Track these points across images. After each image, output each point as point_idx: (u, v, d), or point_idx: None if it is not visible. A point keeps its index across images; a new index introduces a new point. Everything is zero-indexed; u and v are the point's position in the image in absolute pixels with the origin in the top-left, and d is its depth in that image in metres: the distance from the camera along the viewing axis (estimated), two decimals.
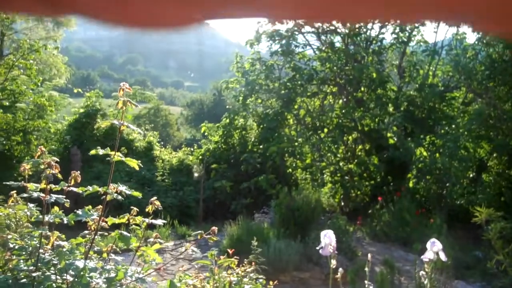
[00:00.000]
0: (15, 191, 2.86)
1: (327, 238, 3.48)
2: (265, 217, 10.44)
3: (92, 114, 15.30)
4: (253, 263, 4.15)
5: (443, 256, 3.55)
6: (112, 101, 18.28)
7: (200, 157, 15.20)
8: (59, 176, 2.49)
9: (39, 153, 2.62)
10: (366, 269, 3.97)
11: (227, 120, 15.53)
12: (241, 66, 15.55)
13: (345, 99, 14.73)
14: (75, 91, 17.26)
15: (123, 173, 12.69)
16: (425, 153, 13.60)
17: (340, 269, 3.53)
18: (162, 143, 17.66)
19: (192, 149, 16.18)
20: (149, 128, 18.90)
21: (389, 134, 14.24)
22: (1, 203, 3.80)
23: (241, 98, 15.17)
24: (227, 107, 16.48)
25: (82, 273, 2.33)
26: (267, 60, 15.21)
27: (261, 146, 14.74)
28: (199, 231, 2.75)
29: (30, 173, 2.80)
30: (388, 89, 14.58)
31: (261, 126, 14.87)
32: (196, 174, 13.96)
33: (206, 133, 16.22)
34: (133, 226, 2.88)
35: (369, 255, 4.00)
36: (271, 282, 3.99)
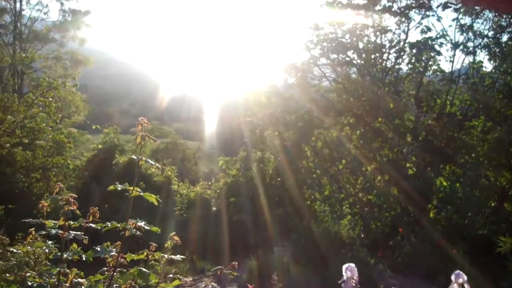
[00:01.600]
0: (33, 229, 2.85)
1: (349, 272, 3.40)
2: (285, 250, 10.34)
3: (110, 150, 15.40)
4: None
5: None
6: (130, 137, 18.42)
7: (218, 190, 15.17)
8: (78, 212, 2.47)
9: (57, 189, 2.62)
10: None
11: (245, 153, 15.52)
12: (257, 99, 15.59)
13: (362, 130, 14.64)
14: (94, 127, 17.43)
15: (142, 208, 12.67)
16: (445, 183, 13.43)
17: None
18: (180, 177, 17.67)
19: (210, 183, 16.17)
20: (166, 162, 18.95)
21: (408, 164, 14.10)
22: (20, 241, 3.80)
23: (258, 131, 15.18)
24: (244, 140, 16.47)
25: None
26: (283, 93, 15.25)
27: (279, 179, 14.67)
28: (219, 267, 2.71)
29: (49, 209, 2.79)
30: (406, 119, 14.48)
31: (279, 158, 14.83)
32: (214, 208, 13.92)
33: (223, 167, 16.22)
34: (152, 262, 2.85)
35: None
36: None
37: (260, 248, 10.03)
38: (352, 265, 3.42)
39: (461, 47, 14.24)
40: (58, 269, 2.43)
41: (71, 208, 2.43)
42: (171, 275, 2.87)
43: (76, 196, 2.53)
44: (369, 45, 14.89)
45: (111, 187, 2.59)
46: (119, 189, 2.57)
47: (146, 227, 2.61)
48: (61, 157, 14.65)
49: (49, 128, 15.24)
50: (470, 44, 14.21)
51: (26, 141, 14.46)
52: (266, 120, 15.13)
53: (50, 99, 15.68)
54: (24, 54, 20.72)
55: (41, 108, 15.41)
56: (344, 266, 3.42)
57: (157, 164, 2.81)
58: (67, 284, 2.46)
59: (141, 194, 2.61)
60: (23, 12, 23.22)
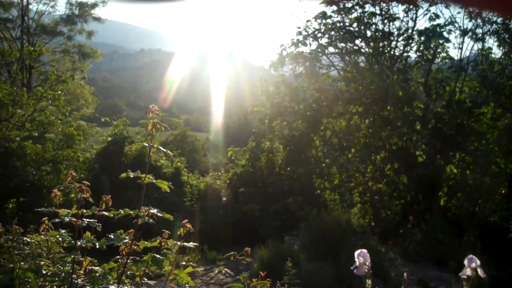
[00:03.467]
0: (46, 218, 2.86)
1: (361, 258, 3.39)
2: (295, 239, 10.36)
3: (120, 142, 15.44)
4: (286, 286, 4.09)
5: (481, 273, 3.44)
6: (139, 129, 18.46)
7: (228, 181, 15.20)
8: (91, 200, 2.48)
9: (69, 178, 2.63)
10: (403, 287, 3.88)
11: (254, 144, 15.53)
12: (265, 89, 15.55)
13: (371, 118, 14.59)
14: (103, 120, 17.47)
15: (152, 199, 12.71)
16: (455, 170, 13.40)
17: None
18: (189, 168, 17.72)
19: (219, 173, 16.20)
20: (176, 154, 19.02)
21: (417, 152, 14.07)
22: (32, 232, 3.81)
23: (266, 121, 15.16)
24: (253, 130, 16.48)
25: None
26: (291, 83, 15.21)
27: (288, 169, 14.67)
28: (232, 253, 2.72)
29: (61, 199, 2.80)
30: (415, 107, 14.42)
31: (288, 148, 14.83)
32: (224, 199, 13.95)
33: (232, 157, 16.23)
34: (164, 250, 2.86)
35: (405, 274, 3.91)
36: None
37: (270, 237, 10.03)
38: (365, 251, 3.42)
39: (470, 33, 14.14)
40: (72, 256, 2.44)
41: (84, 195, 2.43)
42: (183, 263, 2.88)
43: (89, 184, 2.54)
44: (377, 33, 14.82)
45: (124, 174, 2.60)
46: (132, 176, 2.58)
47: (159, 214, 2.61)
48: (71, 149, 14.70)
49: (59, 121, 15.30)
50: (479, 30, 14.09)
51: (36, 134, 14.51)
52: (275, 110, 15.10)
53: (59, 92, 15.74)
54: (32, 48, 20.76)
55: (50, 102, 15.47)
56: (357, 253, 3.42)
57: (169, 152, 2.81)
58: (81, 272, 2.47)
59: (153, 181, 2.62)
60: (30, 6, 23.25)
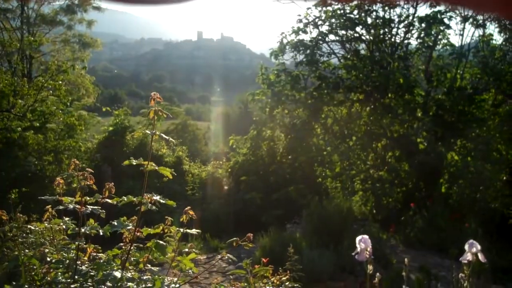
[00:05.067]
0: (50, 206, 2.87)
1: (363, 243, 3.42)
2: (296, 227, 10.39)
3: (121, 131, 15.46)
4: (288, 272, 4.11)
5: (482, 258, 3.46)
6: (140, 118, 18.52)
7: (229, 170, 15.22)
8: (94, 187, 2.50)
9: (72, 166, 2.64)
10: (404, 273, 3.91)
11: (255, 132, 15.54)
12: (266, 77, 15.52)
13: (372, 106, 14.58)
14: (104, 109, 17.48)
15: (153, 188, 12.74)
16: (456, 157, 13.41)
17: (378, 274, 3.48)
18: (190, 157, 17.76)
19: (221, 162, 16.23)
20: (177, 143, 19.04)
21: (419, 140, 14.07)
22: (35, 221, 3.83)
23: (267, 109, 15.16)
24: (254, 119, 16.48)
25: (119, 284, 2.33)
26: (292, 71, 15.18)
27: (289, 157, 14.69)
28: (234, 238, 2.74)
29: (64, 189, 2.82)
30: (416, 94, 14.41)
31: (289, 136, 14.84)
32: (225, 187, 13.98)
33: (234, 146, 16.25)
34: (167, 238, 2.88)
35: (406, 260, 3.94)
36: None
37: (272, 225, 10.06)
38: (366, 237, 3.44)
39: (471, 20, 14.11)
40: (76, 243, 2.46)
41: (88, 183, 2.45)
42: (186, 250, 2.91)
43: (92, 171, 2.56)
44: (377, 20, 14.78)
45: (126, 162, 2.61)
46: (134, 163, 2.60)
47: (161, 201, 2.63)
48: (72, 139, 14.72)
49: (60, 111, 15.29)
50: (479, 17, 14.06)
51: (37, 124, 14.51)
52: (275, 98, 15.10)
53: (60, 82, 15.73)
54: (32, 38, 20.72)
55: (51, 92, 15.45)
56: (358, 238, 3.45)
57: (171, 139, 2.83)
58: (86, 258, 2.49)
59: (156, 168, 2.63)
60: None
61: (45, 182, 13.81)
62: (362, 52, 15.19)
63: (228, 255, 2.75)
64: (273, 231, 9.03)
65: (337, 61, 15.51)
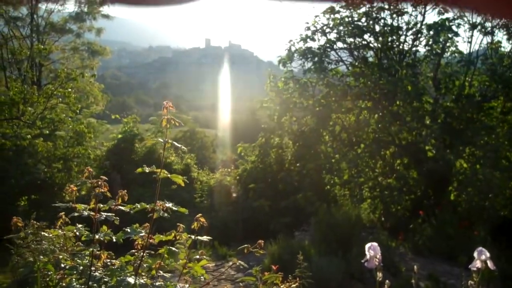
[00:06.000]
0: (63, 213, 2.91)
1: (372, 251, 3.42)
2: (305, 235, 10.40)
3: (130, 139, 15.52)
4: (297, 279, 4.12)
5: (491, 265, 3.46)
6: (149, 126, 18.54)
7: (238, 177, 15.24)
8: (108, 194, 2.53)
9: (86, 174, 2.68)
10: (413, 281, 3.92)
11: (263, 140, 15.56)
12: (274, 85, 15.58)
13: (380, 113, 14.57)
14: (113, 117, 17.56)
15: (163, 195, 12.74)
16: (465, 165, 13.38)
17: (387, 281, 3.49)
18: (199, 165, 17.80)
19: (229, 170, 16.25)
20: (186, 150, 19.09)
21: (427, 147, 14.04)
22: (46, 228, 3.86)
23: (276, 117, 15.19)
24: (262, 126, 16.52)
25: None
26: (300, 78, 15.21)
27: (298, 164, 14.70)
28: (245, 245, 2.76)
29: (72, 196, 2.85)
30: (424, 102, 14.40)
31: (297, 144, 14.86)
32: (234, 195, 14.00)
33: (242, 153, 16.27)
34: (177, 245, 2.91)
35: (415, 267, 3.95)
36: None
37: (280, 233, 10.07)
38: (375, 244, 3.45)
39: (479, 27, 14.11)
40: (90, 249, 2.50)
41: (102, 190, 2.49)
42: (197, 257, 2.93)
43: (106, 179, 2.59)
44: (385, 28, 14.80)
45: (139, 170, 2.65)
46: (147, 171, 2.63)
47: (174, 208, 2.66)
48: (81, 147, 14.80)
49: (69, 119, 15.40)
50: (488, 24, 14.06)
51: (47, 132, 14.62)
52: (284, 106, 15.13)
53: (69, 90, 15.85)
54: (41, 46, 20.87)
55: (60, 99, 15.57)
56: (367, 246, 3.45)
57: (183, 147, 2.86)
58: (99, 264, 2.52)
59: (169, 176, 2.67)
60: (40, 4, 23.34)
61: (54, 190, 13.89)
62: (370, 59, 15.21)
63: (240, 261, 2.77)
64: (282, 238, 9.04)
65: (345, 69, 15.54)
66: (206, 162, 24.89)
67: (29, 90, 15.31)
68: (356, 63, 15.15)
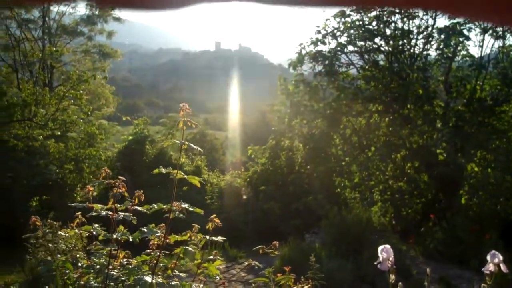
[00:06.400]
0: (79, 213, 2.94)
1: (385, 253, 3.43)
2: (315, 237, 10.41)
3: (141, 140, 15.58)
4: (309, 281, 4.13)
5: (504, 268, 3.46)
6: (159, 128, 18.61)
7: (248, 179, 15.27)
8: (126, 194, 2.57)
9: (103, 174, 2.72)
10: (426, 283, 3.92)
11: (273, 142, 15.59)
12: (285, 88, 15.60)
13: (391, 117, 14.56)
14: (124, 119, 17.64)
15: (175, 197, 12.81)
16: (476, 169, 13.34)
17: (400, 284, 3.49)
18: (209, 167, 17.84)
19: (239, 172, 16.29)
20: (201, 151, 19.11)
21: (438, 151, 14.01)
22: (59, 228, 3.90)
23: (286, 119, 15.23)
24: (273, 129, 16.56)
25: None
26: (310, 81, 15.24)
27: (308, 167, 14.72)
28: (260, 246, 2.79)
29: (83, 197, 2.89)
30: (435, 105, 14.38)
31: (308, 146, 14.88)
32: (244, 197, 14.02)
33: (252, 156, 16.31)
34: (191, 246, 2.93)
35: (428, 269, 3.94)
36: None
37: (290, 235, 10.09)
38: (388, 246, 3.46)
39: (490, 31, 14.07)
40: (108, 248, 2.53)
41: (120, 190, 2.52)
42: (211, 257, 2.96)
43: (124, 179, 2.63)
44: (396, 32, 14.80)
45: (156, 170, 2.68)
46: (164, 172, 2.66)
47: (190, 209, 2.70)
48: (93, 148, 14.88)
49: (81, 120, 15.52)
50: (499, 28, 14.02)
51: (59, 133, 14.73)
52: (294, 109, 15.16)
53: (81, 92, 15.98)
54: (53, 48, 21.03)
55: (72, 101, 15.69)
56: (380, 248, 3.46)
57: (199, 148, 2.89)
58: (117, 263, 2.56)
59: (185, 177, 2.70)
60: (51, 7, 23.52)
61: (66, 190, 13.98)
62: (381, 63, 15.20)
63: (255, 262, 2.80)
64: (292, 241, 9.06)
65: (355, 72, 15.55)
66: (216, 164, 24.95)
67: (41, 91, 15.44)
68: (367, 67, 15.14)
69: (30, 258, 6.50)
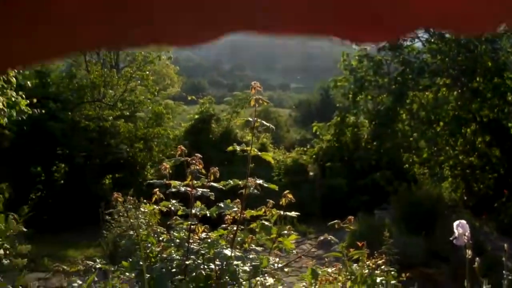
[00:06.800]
0: (157, 189, 3.03)
1: (460, 228, 3.39)
2: (385, 213, 10.32)
3: (206, 119, 15.80)
4: (383, 255, 4.13)
5: None
6: (224, 106, 18.80)
7: (314, 156, 15.27)
8: (203, 171, 2.63)
9: (179, 151, 2.78)
10: (504, 259, 3.85)
11: (338, 119, 15.50)
12: (348, 63, 15.42)
13: (460, 91, 14.17)
14: (189, 98, 17.89)
15: (239, 174, 12.94)
16: None
17: (477, 259, 3.44)
18: (274, 144, 17.92)
19: (305, 149, 16.29)
20: (261, 130, 19.22)
21: (510, 124, 13.57)
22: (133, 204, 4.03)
23: (350, 95, 15.08)
24: (337, 105, 16.45)
25: (229, 261, 2.45)
26: (374, 56, 14.99)
27: (374, 143, 14.57)
28: (336, 221, 2.81)
29: (154, 174, 2.97)
30: (506, 78, 13.88)
31: (373, 122, 14.71)
32: (311, 173, 14.04)
33: (317, 133, 16.27)
34: (263, 221, 2.98)
35: (505, 245, 3.87)
36: (403, 274, 3.97)
37: (359, 211, 10.05)
38: (464, 221, 3.41)
39: None
40: (187, 223, 2.61)
41: (197, 167, 2.58)
42: (285, 232, 3.00)
43: (201, 157, 2.69)
44: None
45: (230, 148, 2.75)
46: (238, 150, 2.71)
47: (265, 185, 2.74)
48: (160, 127, 15.21)
49: (148, 101, 15.86)
50: None
51: (127, 113, 15.10)
52: (358, 84, 14.99)
53: (147, 72, 16.31)
54: None
55: (139, 82, 16.05)
56: (455, 223, 3.42)
57: (271, 126, 2.93)
58: (197, 237, 2.64)
59: (259, 153, 2.74)
60: None
61: (136, 169, 14.38)
62: (447, 35, 14.77)
63: (331, 236, 2.82)
64: (361, 216, 9.02)
65: (421, 45, 15.17)
66: (280, 141, 25.01)
67: (108, 73, 15.85)
68: (432, 40, 14.74)
69: (107, 234, 6.77)
